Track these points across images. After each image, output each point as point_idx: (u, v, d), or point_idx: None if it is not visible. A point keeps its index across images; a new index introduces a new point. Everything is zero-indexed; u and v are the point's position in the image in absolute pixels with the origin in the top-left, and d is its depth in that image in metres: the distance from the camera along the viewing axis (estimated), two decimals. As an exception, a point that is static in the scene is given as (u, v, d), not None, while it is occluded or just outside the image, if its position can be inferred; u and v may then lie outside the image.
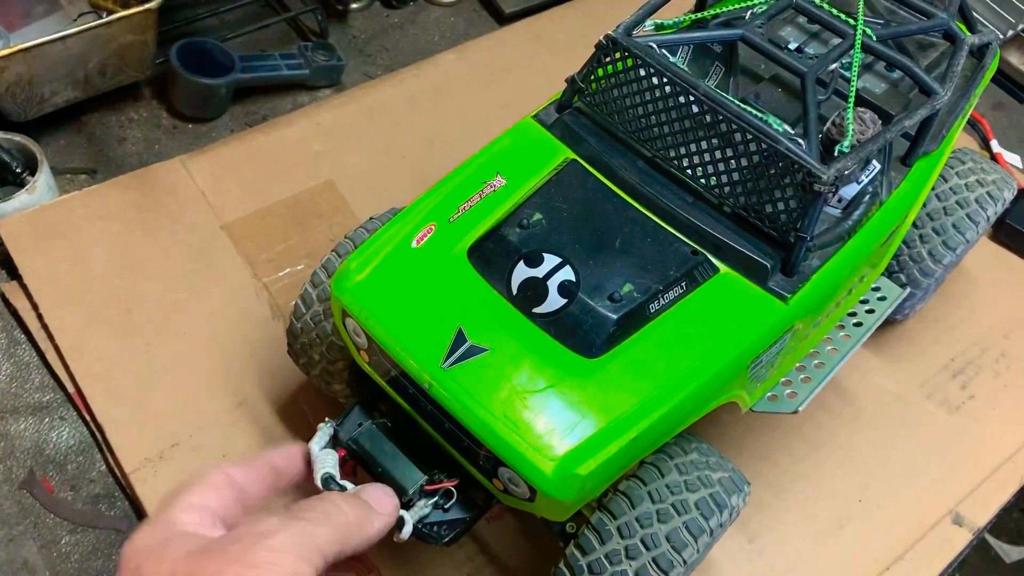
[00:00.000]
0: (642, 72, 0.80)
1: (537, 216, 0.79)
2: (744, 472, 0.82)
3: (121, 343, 1.07)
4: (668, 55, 0.81)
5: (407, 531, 0.71)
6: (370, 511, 0.62)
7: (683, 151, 0.80)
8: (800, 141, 0.75)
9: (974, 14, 1.01)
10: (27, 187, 1.16)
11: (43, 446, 1.01)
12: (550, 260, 0.76)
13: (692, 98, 0.77)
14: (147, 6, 1.19)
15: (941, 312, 1.24)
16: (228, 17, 1.47)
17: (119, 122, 1.34)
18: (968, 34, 0.91)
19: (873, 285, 1.01)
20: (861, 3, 0.86)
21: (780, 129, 0.75)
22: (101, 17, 1.20)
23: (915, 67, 0.83)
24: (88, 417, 1.02)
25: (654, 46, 0.81)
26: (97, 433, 1.01)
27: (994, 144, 1.48)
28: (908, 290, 1.01)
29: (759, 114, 0.76)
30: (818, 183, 0.72)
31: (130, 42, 1.22)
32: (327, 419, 0.78)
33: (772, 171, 0.75)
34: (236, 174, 1.25)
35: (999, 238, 1.33)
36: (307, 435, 0.78)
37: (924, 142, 0.87)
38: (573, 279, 0.74)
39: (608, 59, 0.82)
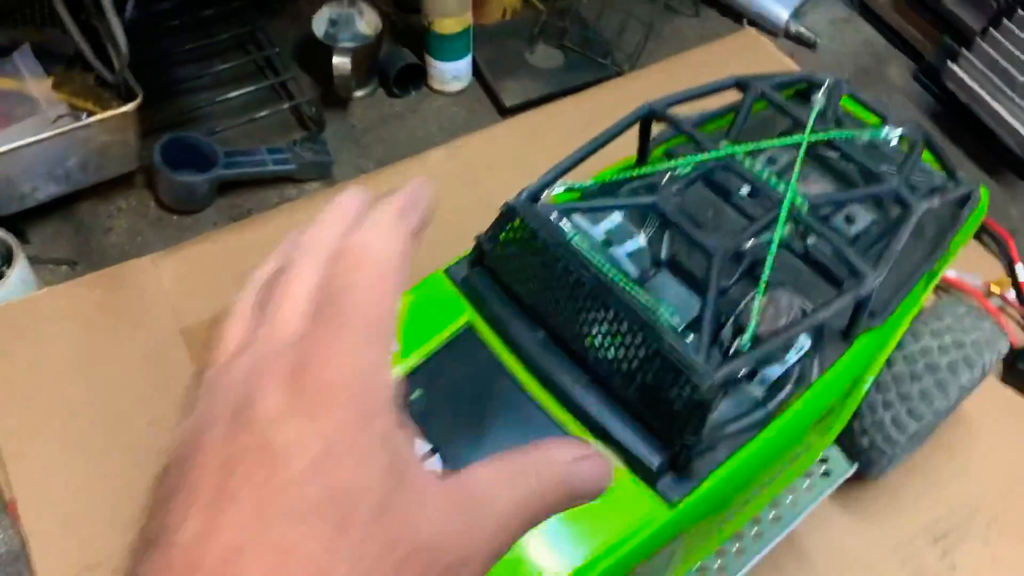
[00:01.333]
0: (539, 243, 0.76)
1: (418, 392, 0.75)
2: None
3: (61, 453, 1.08)
4: (568, 223, 0.76)
5: None
6: None
7: (582, 330, 0.75)
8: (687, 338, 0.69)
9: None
10: (0, 280, 1.20)
11: (-27, 554, 1.03)
12: (420, 447, 0.72)
13: (580, 278, 0.72)
14: (123, 109, 1.22)
15: (933, 463, 1.14)
16: (224, 106, 1.48)
17: (107, 211, 1.37)
18: (922, 202, 0.82)
19: (820, 456, 0.93)
20: (796, 171, 0.78)
21: (666, 322, 0.69)
22: (80, 119, 1.23)
23: (849, 252, 0.75)
24: (18, 527, 1.03)
25: (554, 215, 0.76)
26: (24, 545, 1.02)
27: (1020, 268, 1.35)
28: (854, 467, 0.92)
29: (646, 301, 0.70)
30: (698, 392, 0.66)
31: (110, 141, 1.25)
32: None
33: (656, 369, 0.69)
34: (204, 275, 1.25)
35: (1009, 381, 1.21)
36: None
37: (861, 322, 0.79)
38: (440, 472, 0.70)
39: (508, 225, 0.78)
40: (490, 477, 0.40)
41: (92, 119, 1.21)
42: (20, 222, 1.29)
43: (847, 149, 0.82)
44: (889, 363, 0.94)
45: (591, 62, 1.60)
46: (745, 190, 0.85)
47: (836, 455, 0.92)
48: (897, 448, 0.95)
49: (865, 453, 0.98)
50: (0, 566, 1.03)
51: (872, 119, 0.94)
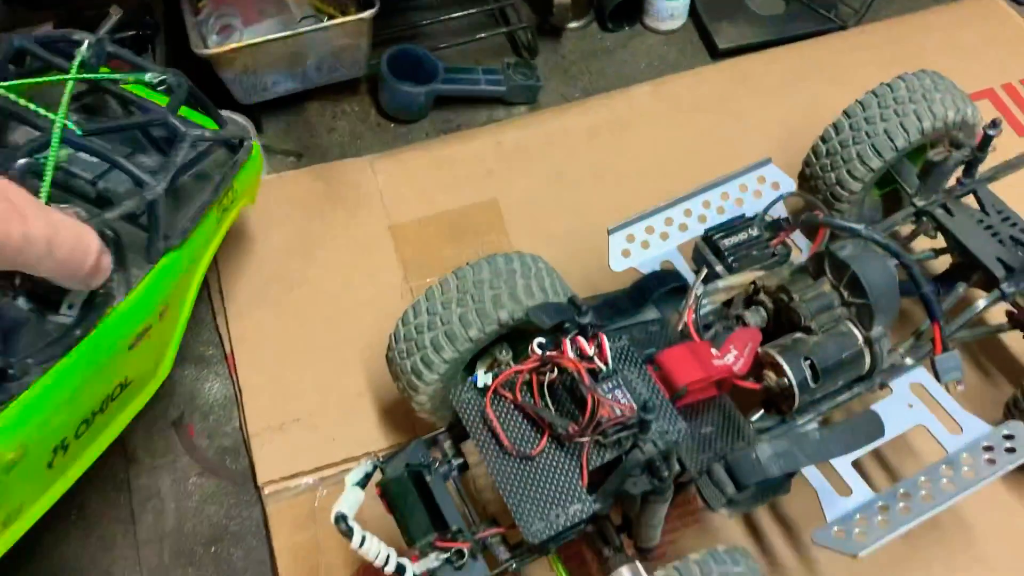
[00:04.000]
0: None
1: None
2: None
3: (276, 318, 1.20)
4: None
5: None
6: None
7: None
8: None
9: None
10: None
11: (196, 394, 1.17)
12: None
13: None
14: (361, 15, 1.31)
15: None
16: (446, 25, 1.55)
17: (333, 112, 1.48)
18: (192, 129, 0.94)
19: (1005, 431, 0.90)
20: (67, 95, 0.89)
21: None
22: (321, 21, 1.33)
23: (124, 162, 0.86)
24: (234, 377, 1.17)
25: None
26: (238, 393, 1.16)
27: None
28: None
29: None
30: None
31: (345, 45, 1.35)
32: (374, 454, 0.84)
33: None
34: (414, 180, 1.34)
35: None
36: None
37: (158, 238, 0.89)
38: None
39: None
40: None
41: (332, 22, 1.31)
42: (258, 112, 1.42)
43: (122, 92, 0.96)
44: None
45: (814, 13, 1.55)
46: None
47: (1020, 430, 0.89)
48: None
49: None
50: (219, 408, 1.16)
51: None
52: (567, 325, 0.86)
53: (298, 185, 1.33)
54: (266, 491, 1.07)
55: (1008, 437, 0.90)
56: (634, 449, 0.78)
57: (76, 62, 0.93)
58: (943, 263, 1.11)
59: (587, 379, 0.80)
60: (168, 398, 1.17)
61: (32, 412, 0.77)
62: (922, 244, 1.12)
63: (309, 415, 1.13)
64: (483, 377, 0.85)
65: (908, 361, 0.96)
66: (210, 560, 1.06)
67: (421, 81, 1.42)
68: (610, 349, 0.86)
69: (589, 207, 1.30)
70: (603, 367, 0.83)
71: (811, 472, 0.89)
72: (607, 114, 1.41)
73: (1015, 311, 1.04)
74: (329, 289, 1.23)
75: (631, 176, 1.34)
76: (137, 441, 1.12)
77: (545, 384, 0.83)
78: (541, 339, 0.84)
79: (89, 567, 1.04)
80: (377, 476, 0.84)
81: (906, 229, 1.15)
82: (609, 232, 1.07)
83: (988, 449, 0.90)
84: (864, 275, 0.89)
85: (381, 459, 0.85)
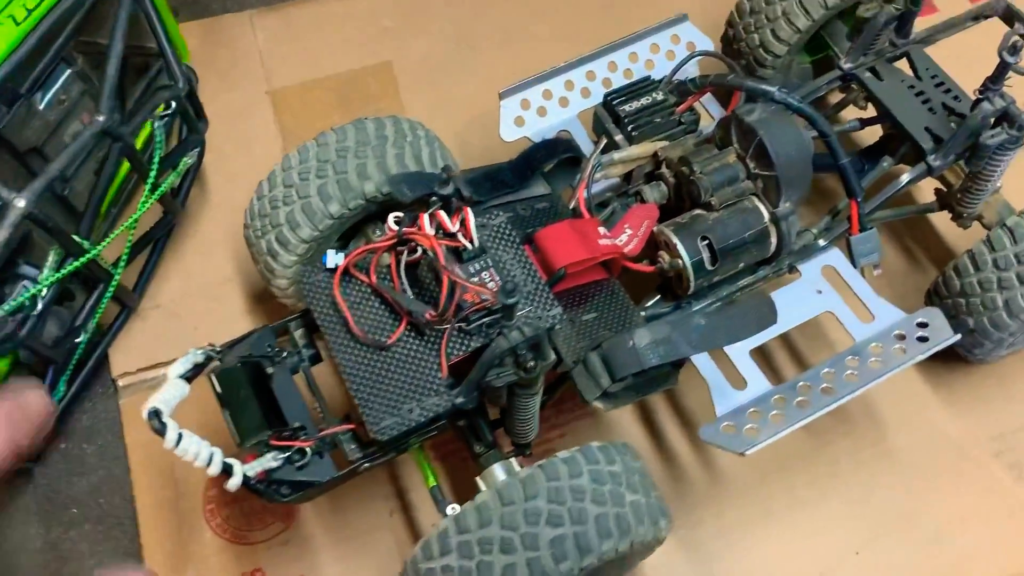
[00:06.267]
0: None
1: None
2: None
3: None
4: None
5: (234, 482, 0.67)
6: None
7: None
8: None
9: None
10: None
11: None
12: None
13: None
14: None
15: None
16: None
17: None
18: None
19: (920, 319, 0.82)
20: None
21: None
22: None
23: None
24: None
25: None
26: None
27: None
28: (956, 336, 0.80)
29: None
30: None
31: None
32: (210, 344, 0.74)
33: None
34: (299, 38, 1.20)
35: None
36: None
37: None
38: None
39: None
40: None
41: None
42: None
43: None
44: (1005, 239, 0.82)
45: None
46: None
47: (939, 321, 0.81)
48: (1007, 333, 0.83)
49: (971, 334, 0.87)
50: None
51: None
52: (433, 199, 0.75)
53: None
54: (121, 383, 0.97)
55: (922, 325, 0.83)
56: (499, 337, 0.69)
57: None
58: (873, 135, 1.00)
59: (442, 258, 0.69)
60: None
61: None
62: (852, 115, 1.01)
63: (171, 302, 1.02)
64: (333, 257, 0.75)
65: (821, 242, 0.87)
66: (60, 457, 0.96)
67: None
68: (480, 226, 0.76)
69: (494, 72, 1.17)
70: (468, 245, 0.73)
71: (703, 362, 0.81)
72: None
73: (944, 188, 0.95)
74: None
75: (545, 38, 1.21)
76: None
77: (402, 265, 0.73)
78: (398, 213, 0.74)
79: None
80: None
81: (836, 97, 1.04)
82: (500, 96, 0.94)
83: (900, 338, 0.82)
84: (772, 142, 0.78)
85: (218, 348, 0.75)
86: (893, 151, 0.94)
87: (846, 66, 0.93)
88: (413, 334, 0.73)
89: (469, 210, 0.72)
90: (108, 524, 0.93)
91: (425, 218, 0.71)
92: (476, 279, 0.73)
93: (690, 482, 0.93)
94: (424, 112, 1.14)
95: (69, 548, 0.92)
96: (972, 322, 0.88)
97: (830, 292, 0.85)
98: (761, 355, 0.96)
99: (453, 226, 0.72)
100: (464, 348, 0.71)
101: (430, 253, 0.70)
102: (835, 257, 0.87)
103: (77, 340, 0.90)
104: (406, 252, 0.73)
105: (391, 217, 0.73)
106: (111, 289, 0.91)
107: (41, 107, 0.84)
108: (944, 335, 0.81)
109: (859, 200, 0.84)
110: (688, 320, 0.71)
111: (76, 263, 0.81)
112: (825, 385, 0.79)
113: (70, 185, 0.91)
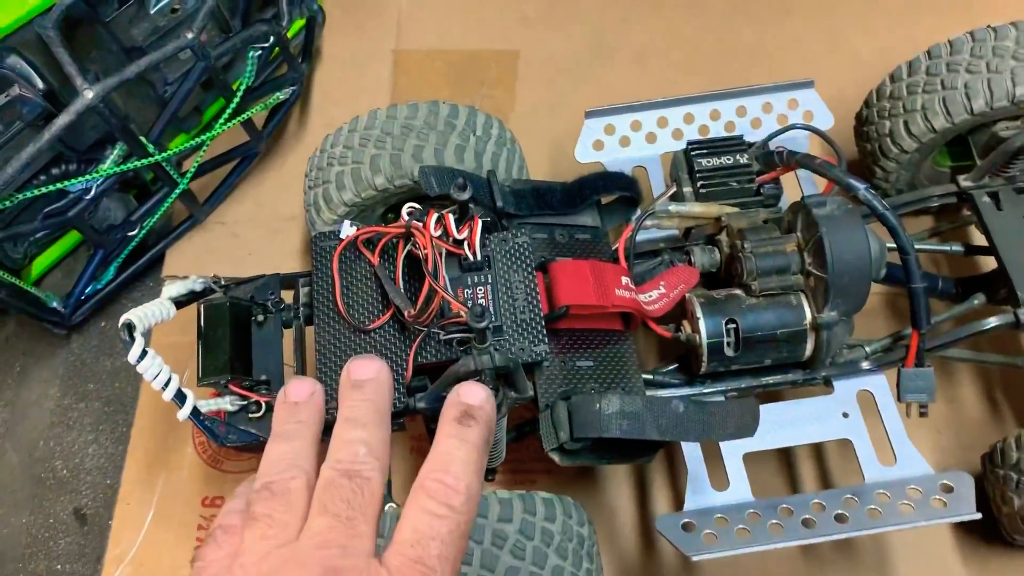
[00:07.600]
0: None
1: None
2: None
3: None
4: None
5: (183, 412, 0.68)
6: None
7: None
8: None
9: None
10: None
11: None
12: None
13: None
14: None
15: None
16: None
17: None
18: None
19: (946, 480, 0.72)
20: None
21: None
22: None
23: None
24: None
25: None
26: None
27: None
28: (976, 515, 0.70)
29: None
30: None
31: None
32: (215, 276, 0.75)
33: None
34: (440, 7, 1.20)
35: None
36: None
37: None
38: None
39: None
40: None
41: None
42: None
43: None
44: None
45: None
46: None
47: (966, 490, 0.71)
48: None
49: (1014, 517, 0.76)
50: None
51: None
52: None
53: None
54: (167, 283, 1.01)
55: (946, 489, 0.73)
56: (467, 356, 0.66)
57: None
58: (987, 266, 0.89)
59: (431, 262, 0.67)
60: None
61: None
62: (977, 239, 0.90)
63: (235, 222, 1.05)
64: (347, 228, 0.74)
65: (865, 364, 0.78)
66: (96, 333, 1.03)
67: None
68: (501, 240, 0.73)
69: (615, 87, 1.13)
70: (470, 256, 0.71)
71: (690, 449, 0.75)
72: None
73: (1043, 347, 0.83)
74: (304, 98, 1.13)
75: (678, 68, 1.15)
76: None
77: (403, 255, 0.71)
78: (414, 204, 0.72)
79: None
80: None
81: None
82: (586, 115, 0.90)
83: (915, 494, 0.73)
84: (831, 242, 0.71)
85: (223, 283, 0.77)
86: (994, 290, 0.83)
87: (964, 183, 0.83)
88: (396, 327, 0.71)
89: (479, 221, 0.70)
90: (114, 408, 0.99)
91: (432, 217, 0.69)
92: (468, 292, 0.71)
93: (660, 568, 0.87)
94: (532, 109, 1.12)
95: (75, 418, 0.99)
96: (1018, 503, 0.77)
97: (857, 419, 0.77)
98: (783, 455, 0.89)
99: (461, 233, 0.70)
100: (436, 356, 0.69)
101: (421, 253, 0.68)
102: (878, 384, 0.78)
103: (131, 233, 0.95)
104: (411, 245, 0.71)
105: (406, 207, 0.72)
106: (173, 196, 0.95)
107: (152, 11, 0.88)
108: (965, 508, 0.71)
109: (922, 332, 0.75)
110: (666, 403, 0.66)
111: (134, 163, 0.85)
112: (808, 516, 0.71)
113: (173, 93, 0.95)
